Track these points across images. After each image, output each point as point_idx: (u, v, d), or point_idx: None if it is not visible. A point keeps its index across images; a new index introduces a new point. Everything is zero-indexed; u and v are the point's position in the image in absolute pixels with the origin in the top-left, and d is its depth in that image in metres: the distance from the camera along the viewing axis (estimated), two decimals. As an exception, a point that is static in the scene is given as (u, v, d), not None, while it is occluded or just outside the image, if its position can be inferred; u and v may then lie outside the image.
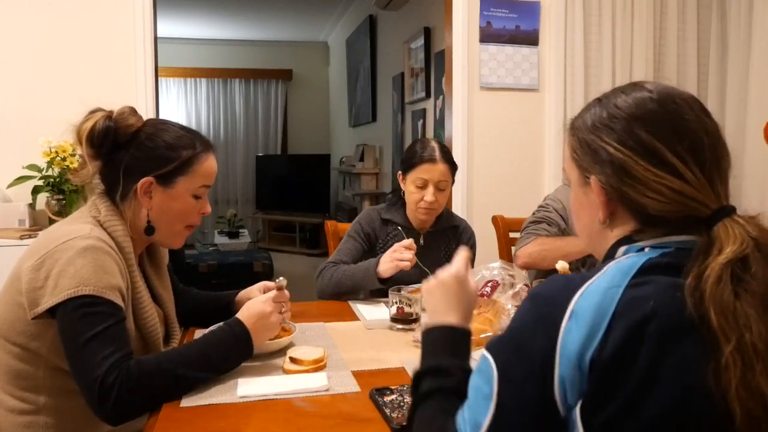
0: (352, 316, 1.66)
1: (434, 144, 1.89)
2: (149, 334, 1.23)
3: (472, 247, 2.03)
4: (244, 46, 7.96)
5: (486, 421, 0.70)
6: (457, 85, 2.95)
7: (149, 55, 2.66)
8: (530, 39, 3.00)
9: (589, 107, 0.82)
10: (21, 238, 2.30)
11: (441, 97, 4.01)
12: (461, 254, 0.98)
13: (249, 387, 1.12)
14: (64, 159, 2.43)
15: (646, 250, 0.74)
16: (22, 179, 2.47)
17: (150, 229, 1.25)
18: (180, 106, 7.90)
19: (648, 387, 0.64)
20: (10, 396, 1.16)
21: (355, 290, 1.82)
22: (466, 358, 0.87)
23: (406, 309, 1.51)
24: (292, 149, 8.24)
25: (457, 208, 2.91)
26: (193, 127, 1.56)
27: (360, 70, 6.36)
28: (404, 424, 0.95)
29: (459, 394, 0.78)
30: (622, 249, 0.77)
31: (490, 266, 1.57)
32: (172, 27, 6.92)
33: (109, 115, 1.21)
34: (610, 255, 0.79)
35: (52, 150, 2.42)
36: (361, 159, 6.09)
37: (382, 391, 1.08)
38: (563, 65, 2.98)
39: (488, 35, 2.95)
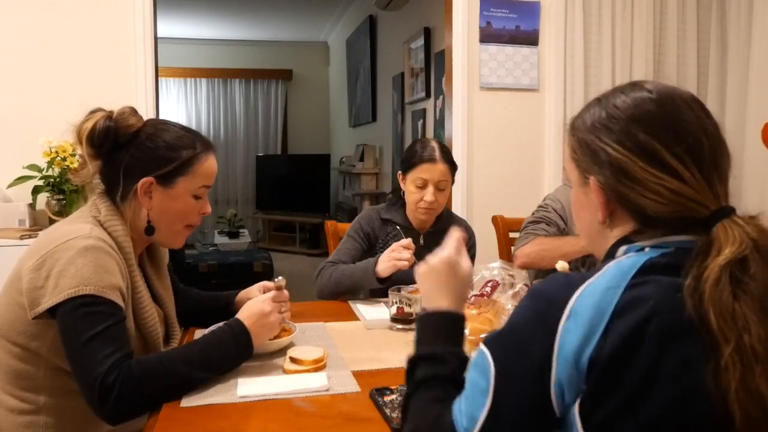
0: (352, 316, 1.66)
1: (434, 144, 1.89)
2: (149, 334, 1.24)
3: (472, 247, 2.03)
4: (244, 46, 7.96)
5: (482, 416, 0.70)
6: (457, 85, 2.95)
7: (149, 55, 2.66)
8: (530, 39, 3.00)
9: (588, 107, 0.82)
10: (21, 238, 2.30)
11: (441, 97, 4.01)
12: (453, 236, 0.97)
13: (249, 387, 1.12)
14: (64, 159, 2.43)
15: (646, 249, 0.74)
16: (22, 179, 2.47)
17: (150, 229, 1.25)
18: (180, 106, 7.90)
19: (647, 387, 0.64)
20: (10, 396, 1.16)
21: (354, 290, 1.82)
22: (459, 343, 0.88)
23: (406, 309, 1.51)
24: (292, 149, 8.24)
25: (457, 208, 2.91)
26: (193, 127, 1.56)
27: (360, 70, 6.36)
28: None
29: (454, 382, 0.80)
30: (622, 249, 0.77)
31: (490, 266, 1.57)
32: (172, 27, 6.92)
33: (109, 115, 1.21)
34: (610, 254, 0.79)
35: (53, 150, 2.42)
36: (361, 159, 6.09)
37: (382, 391, 1.08)
38: (563, 65, 2.98)
39: (488, 35, 2.95)
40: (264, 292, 1.49)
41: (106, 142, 1.20)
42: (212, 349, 1.16)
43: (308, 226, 7.13)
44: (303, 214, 7.12)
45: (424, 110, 4.59)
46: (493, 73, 2.97)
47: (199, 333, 1.42)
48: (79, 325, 1.05)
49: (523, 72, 3.00)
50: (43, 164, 2.46)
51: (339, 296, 1.82)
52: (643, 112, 0.75)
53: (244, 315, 1.23)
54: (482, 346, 0.75)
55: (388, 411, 1.01)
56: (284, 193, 7.42)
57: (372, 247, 1.96)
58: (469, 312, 1.42)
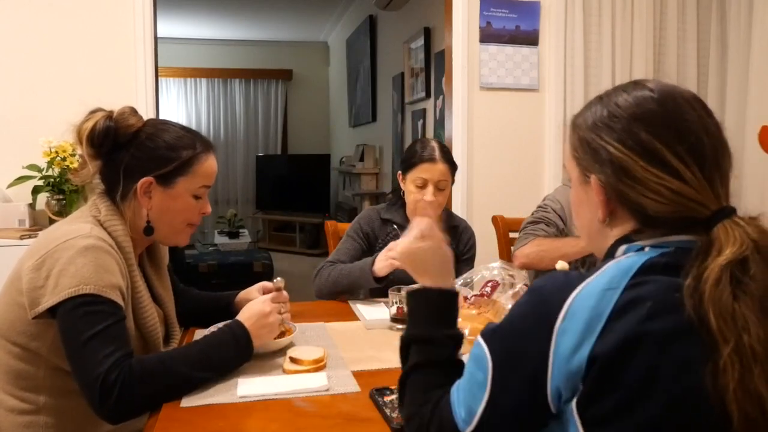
0: (352, 316, 1.66)
1: (434, 144, 1.89)
2: (149, 334, 1.24)
3: (472, 248, 2.03)
4: (244, 46, 7.96)
5: (480, 409, 0.72)
6: (457, 85, 2.95)
7: (149, 55, 2.66)
8: (530, 39, 3.00)
9: (590, 105, 0.82)
10: (21, 238, 2.30)
11: (441, 97, 4.01)
12: (423, 207, 1.00)
13: (249, 387, 1.12)
14: (64, 159, 2.43)
15: (646, 249, 0.74)
16: (22, 179, 2.47)
17: (149, 230, 1.25)
18: (180, 106, 7.90)
19: (647, 387, 0.64)
20: (10, 396, 1.16)
21: (352, 289, 1.82)
22: (452, 322, 0.91)
23: (406, 309, 1.51)
24: (292, 149, 8.24)
25: (457, 208, 2.91)
26: (193, 127, 1.56)
27: (360, 70, 6.36)
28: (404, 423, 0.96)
29: (449, 364, 0.83)
30: (622, 248, 0.77)
31: (490, 266, 1.58)
32: (172, 27, 6.92)
33: (109, 115, 1.21)
34: (609, 254, 0.79)
35: (52, 150, 2.42)
36: (361, 159, 6.09)
37: (382, 391, 1.08)
38: (563, 65, 2.98)
39: (488, 35, 2.95)
40: (263, 293, 1.49)
41: (106, 142, 1.20)
42: (212, 350, 1.16)
43: (308, 226, 7.13)
44: (303, 214, 7.12)
45: (424, 110, 4.59)
46: (493, 73, 2.97)
47: (199, 333, 1.43)
48: (80, 325, 1.05)
49: (523, 72, 3.00)
50: (43, 164, 2.46)
51: (337, 296, 1.82)
52: (645, 111, 0.75)
53: (244, 316, 1.23)
54: (480, 339, 0.75)
55: (388, 411, 1.01)
56: (284, 193, 7.42)
57: (372, 247, 1.96)
58: (469, 312, 1.42)
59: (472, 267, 1.83)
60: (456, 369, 0.82)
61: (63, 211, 2.46)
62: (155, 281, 1.36)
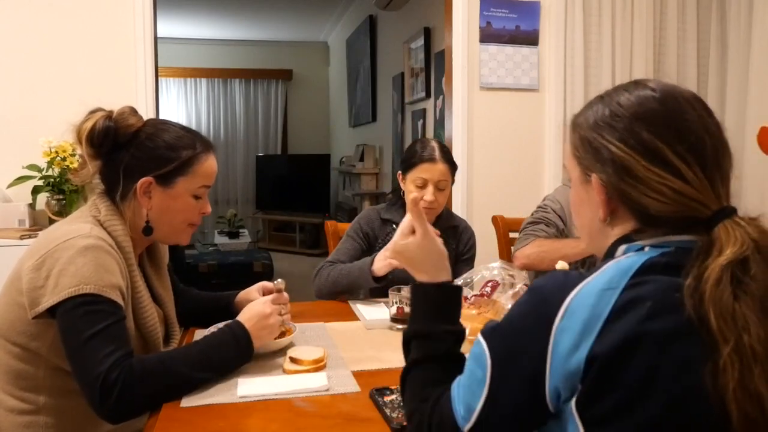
0: (352, 316, 1.66)
1: (434, 144, 1.89)
2: (149, 334, 1.24)
3: (472, 247, 2.03)
4: (244, 46, 7.96)
5: (479, 406, 0.72)
6: (457, 85, 2.95)
7: (149, 55, 2.66)
8: (530, 39, 3.00)
9: (591, 104, 0.82)
10: (21, 238, 2.30)
11: (441, 97, 4.01)
12: (410, 203, 1.01)
13: (249, 387, 1.12)
14: (64, 159, 2.43)
15: (646, 249, 0.74)
16: (22, 179, 2.47)
17: (148, 230, 1.25)
18: (180, 106, 7.91)
19: (647, 387, 0.64)
20: (10, 396, 1.16)
21: (351, 289, 1.82)
22: (453, 317, 0.91)
23: (406, 309, 1.51)
24: (292, 149, 8.24)
25: (457, 208, 2.91)
26: (193, 127, 1.56)
27: (360, 70, 6.36)
28: (404, 424, 0.95)
29: (451, 359, 0.84)
30: (622, 248, 0.77)
31: (490, 266, 1.57)
32: (172, 27, 6.92)
33: (109, 115, 1.21)
34: (609, 254, 0.79)
35: (52, 150, 2.42)
36: (361, 159, 6.09)
37: (382, 391, 1.08)
38: (563, 65, 2.98)
39: (488, 35, 2.95)
40: (263, 293, 1.49)
41: (105, 142, 1.20)
42: (213, 350, 1.16)
43: (308, 226, 7.13)
44: (303, 214, 7.12)
45: (424, 110, 4.59)
46: (493, 73, 2.97)
47: (198, 333, 1.42)
48: (80, 324, 1.05)
49: (523, 72, 3.00)
50: (43, 164, 2.46)
51: (337, 296, 1.82)
52: (647, 111, 0.75)
53: (244, 317, 1.24)
54: (480, 337, 0.76)
55: (388, 411, 1.01)
56: (284, 193, 7.42)
57: (371, 247, 1.96)
58: (469, 312, 1.42)
59: (472, 267, 1.83)
60: (457, 364, 0.83)
61: (63, 211, 2.46)
62: (155, 281, 1.36)
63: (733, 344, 0.63)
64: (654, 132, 0.73)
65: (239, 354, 1.19)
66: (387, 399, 1.05)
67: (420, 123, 4.66)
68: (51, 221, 2.40)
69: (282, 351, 1.30)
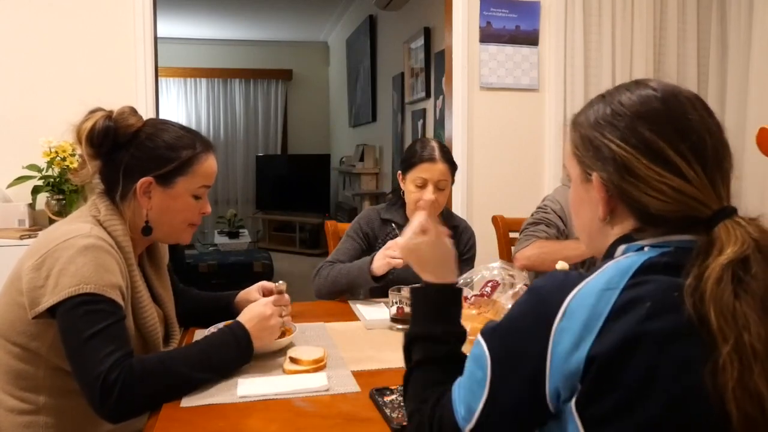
0: (352, 316, 1.66)
1: (434, 144, 1.89)
2: (149, 334, 1.23)
3: (472, 247, 2.03)
4: (244, 46, 7.96)
5: (479, 407, 0.72)
6: (457, 85, 2.95)
7: (149, 55, 2.66)
8: (530, 39, 3.00)
9: (592, 104, 0.82)
10: (21, 238, 2.30)
11: (441, 97, 4.01)
12: (423, 203, 1.01)
13: (249, 387, 1.12)
14: (64, 159, 2.43)
15: (646, 249, 0.74)
16: (22, 179, 2.47)
17: (147, 230, 1.25)
18: (180, 106, 7.91)
19: (647, 387, 0.64)
20: (10, 396, 1.16)
21: (351, 288, 1.82)
22: (454, 318, 0.91)
23: (406, 309, 1.51)
24: (292, 149, 8.24)
25: (457, 208, 2.91)
26: (193, 127, 1.56)
27: (360, 70, 6.36)
28: (404, 424, 0.96)
29: (452, 360, 0.84)
30: (621, 248, 0.77)
31: (490, 266, 1.57)
32: (172, 27, 6.92)
33: (108, 115, 1.21)
34: (609, 254, 0.79)
35: (52, 150, 2.42)
36: (361, 159, 6.09)
37: (382, 391, 1.08)
38: (563, 65, 2.98)
39: (488, 35, 2.95)
40: (263, 293, 1.49)
41: (105, 141, 1.20)
42: (213, 350, 1.16)
43: (308, 226, 7.13)
44: (303, 214, 7.12)
45: (424, 110, 4.59)
46: (493, 73, 2.97)
47: (198, 333, 1.42)
48: (80, 324, 1.05)
49: (523, 72, 3.00)
50: (42, 164, 2.46)
51: (336, 295, 1.82)
52: (649, 110, 0.75)
53: (245, 317, 1.23)
54: (480, 337, 0.76)
55: (388, 411, 1.01)
56: (284, 193, 7.42)
57: (371, 247, 1.96)
58: (469, 312, 1.42)
59: (472, 267, 1.83)
60: (458, 365, 0.82)
61: (63, 211, 2.46)
62: (155, 281, 1.36)
63: (733, 343, 0.63)
64: (655, 131, 0.73)
65: (239, 355, 1.19)
66: (387, 399, 1.05)
67: (420, 123, 4.66)
68: (51, 221, 2.40)
69: (282, 351, 1.30)
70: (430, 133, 4.44)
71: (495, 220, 2.37)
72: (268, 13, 6.64)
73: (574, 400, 0.67)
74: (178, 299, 1.44)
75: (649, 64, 3.03)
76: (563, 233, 1.97)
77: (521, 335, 0.71)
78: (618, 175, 0.75)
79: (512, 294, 1.48)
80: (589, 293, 0.68)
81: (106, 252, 1.13)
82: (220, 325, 1.37)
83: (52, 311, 1.08)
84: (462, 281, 1.57)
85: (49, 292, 1.07)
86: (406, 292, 1.52)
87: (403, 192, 1.95)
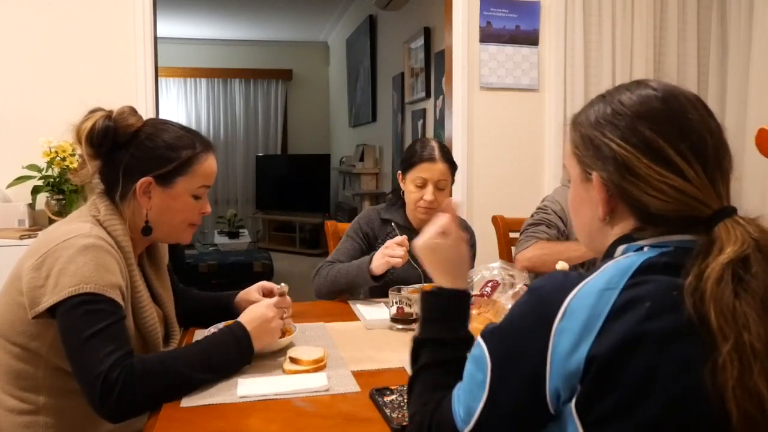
0: (352, 316, 1.66)
1: (434, 143, 1.89)
2: (149, 334, 1.23)
3: (472, 247, 2.02)
4: (244, 46, 7.96)
5: (479, 409, 0.72)
6: (457, 85, 2.95)
7: (149, 55, 2.66)
8: (530, 39, 3.00)
9: (592, 103, 0.82)
10: (21, 238, 2.30)
11: (441, 97, 4.01)
12: (446, 205, 1.00)
13: (249, 387, 1.12)
14: (64, 159, 2.43)
15: (645, 249, 0.74)
16: (22, 179, 2.47)
17: (147, 230, 1.25)
18: (180, 106, 7.90)
19: (646, 387, 0.64)
20: (10, 396, 1.16)
21: (350, 288, 1.82)
22: (463, 324, 0.90)
23: (406, 309, 1.51)
24: (292, 149, 8.25)
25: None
26: (193, 127, 1.56)
27: (360, 70, 6.36)
28: (404, 424, 0.96)
29: (457, 364, 0.82)
30: (621, 248, 0.77)
31: (490, 266, 1.57)
32: (172, 27, 6.92)
33: (108, 115, 1.21)
34: (609, 254, 0.79)
35: (52, 150, 2.42)
36: (361, 159, 6.09)
37: (382, 391, 1.08)
38: (563, 65, 2.98)
39: (488, 35, 2.95)
40: (263, 292, 1.49)
41: (105, 141, 1.20)
42: (213, 351, 1.16)
43: (308, 226, 7.13)
44: (303, 214, 7.12)
45: (424, 110, 4.59)
46: (493, 73, 2.97)
47: (198, 333, 1.42)
48: (80, 323, 1.05)
49: (523, 72, 3.00)
50: (42, 164, 2.46)
51: (336, 295, 1.82)
52: (649, 110, 0.75)
53: (246, 318, 1.23)
54: (480, 339, 0.76)
55: (388, 411, 1.01)
56: (284, 193, 7.42)
57: (371, 247, 1.96)
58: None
59: (472, 267, 1.83)
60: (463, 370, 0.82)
61: (63, 211, 2.46)
62: (155, 281, 1.36)
63: (733, 342, 0.63)
64: (656, 130, 0.73)
65: (240, 355, 1.19)
66: (387, 399, 1.05)
67: (420, 123, 4.66)
68: (51, 221, 2.40)
69: (282, 351, 1.30)
70: (430, 133, 4.44)
71: (495, 220, 2.37)
72: (268, 13, 6.64)
73: (573, 401, 0.67)
74: (178, 299, 1.44)
75: (649, 64, 3.03)
76: (564, 234, 1.97)
77: (521, 335, 0.71)
78: (618, 175, 0.75)
79: (512, 294, 1.48)
80: (589, 293, 0.68)
81: (106, 252, 1.13)
82: (220, 325, 1.37)
83: (52, 311, 1.08)
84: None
85: (49, 292, 1.07)
86: (406, 292, 1.52)
87: (403, 192, 1.95)
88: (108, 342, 1.05)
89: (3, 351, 1.17)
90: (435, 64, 4.31)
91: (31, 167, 2.47)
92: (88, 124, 1.19)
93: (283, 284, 1.37)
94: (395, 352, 1.34)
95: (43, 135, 2.42)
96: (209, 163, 1.28)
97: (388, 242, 1.72)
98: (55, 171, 2.47)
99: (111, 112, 1.22)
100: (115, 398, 1.01)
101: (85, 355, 1.04)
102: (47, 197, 2.50)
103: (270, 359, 1.27)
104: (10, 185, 2.48)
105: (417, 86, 4.71)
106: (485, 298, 1.49)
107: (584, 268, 1.88)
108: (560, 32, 2.97)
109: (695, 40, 3.08)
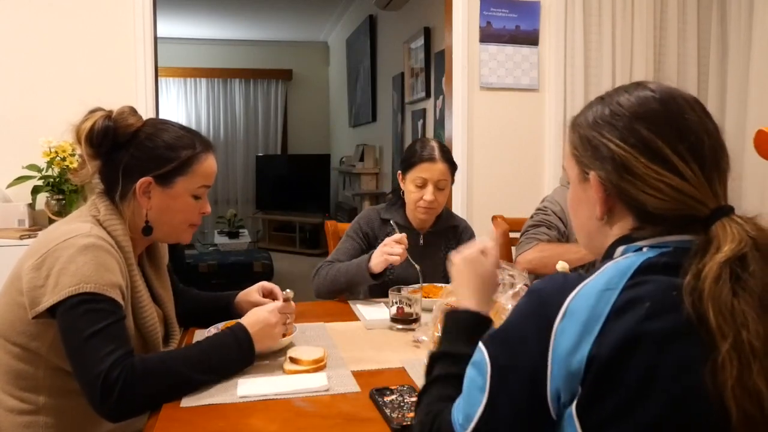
0: (352, 316, 1.66)
1: (434, 143, 1.89)
2: (148, 334, 1.23)
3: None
4: (244, 46, 7.96)
5: (478, 414, 0.72)
6: (457, 85, 2.95)
7: (149, 55, 2.66)
8: (530, 39, 3.00)
9: (591, 105, 0.83)
10: (21, 238, 2.30)
11: (441, 97, 4.01)
12: (496, 228, 1.01)
13: (249, 387, 1.12)
14: (63, 159, 2.43)
15: (645, 250, 0.74)
16: (22, 179, 2.47)
17: (147, 230, 1.25)
18: (180, 106, 7.90)
19: (646, 387, 0.64)
20: (10, 396, 1.16)
21: (350, 287, 1.81)
22: (476, 341, 0.90)
23: (406, 309, 1.51)
24: (292, 149, 8.25)
25: (457, 208, 2.91)
26: (193, 127, 1.56)
27: (360, 70, 6.36)
28: (404, 424, 0.96)
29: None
30: (620, 249, 0.77)
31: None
32: (172, 27, 6.92)
33: (108, 115, 1.21)
34: (608, 254, 0.79)
35: (52, 150, 2.42)
36: (361, 159, 6.10)
37: (382, 391, 1.08)
38: (563, 65, 2.98)
39: (488, 35, 2.95)
40: (263, 293, 1.49)
41: (104, 141, 1.20)
42: (214, 352, 1.16)
43: (308, 226, 7.13)
44: (303, 214, 7.12)
45: (424, 110, 4.59)
46: (493, 73, 2.97)
47: (198, 333, 1.43)
48: (80, 323, 1.05)
49: (523, 72, 3.00)
50: (42, 164, 2.46)
51: (336, 295, 1.82)
52: (647, 110, 0.76)
53: (248, 321, 1.23)
54: (480, 344, 0.75)
55: (388, 411, 1.01)
56: (284, 193, 7.42)
57: (371, 247, 1.95)
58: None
59: (497, 268, 1.83)
60: None
61: (63, 211, 2.46)
62: (155, 281, 1.36)
63: (732, 341, 0.63)
64: (654, 131, 0.74)
65: (241, 358, 1.19)
66: (387, 399, 1.05)
67: (420, 123, 4.66)
68: (51, 221, 2.40)
69: (282, 351, 1.30)
70: (430, 133, 4.44)
71: (495, 220, 2.37)
72: (268, 13, 6.64)
73: (574, 404, 0.67)
74: (177, 299, 1.44)
75: (649, 64, 3.03)
76: (564, 235, 1.97)
77: (521, 337, 0.71)
78: (616, 174, 0.75)
79: (512, 294, 1.47)
80: (589, 294, 0.68)
81: (106, 251, 1.13)
82: (220, 325, 1.37)
83: (52, 311, 1.08)
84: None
85: (49, 292, 1.07)
86: (406, 292, 1.52)
87: (403, 192, 1.95)
88: (108, 341, 1.05)
89: (3, 351, 1.17)
90: (435, 64, 4.31)
91: (31, 167, 2.47)
92: (88, 124, 1.19)
93: (288, 290, 1.37)
94: (395, 352, 1.34)
95: (43, 135, 2.42)
96: (209, 163, 1.28)
97: (387, 240, 1.72)
98: (55, 171, 2.47)
99: (111, 112, 1.22)
100: (115, 398, 1.01)
101: (85, 355, 1.04)
102: (47, 197, 2.50)
103: (270, 359, 1.27)
104: (10, 185, 2.48)
105: (417, 86, 4.71)
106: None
107: (584, 269, 1.88)
108: (560, 32, 2.97)
109: (695, 40, 3.08)
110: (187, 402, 1.06)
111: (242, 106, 8.07)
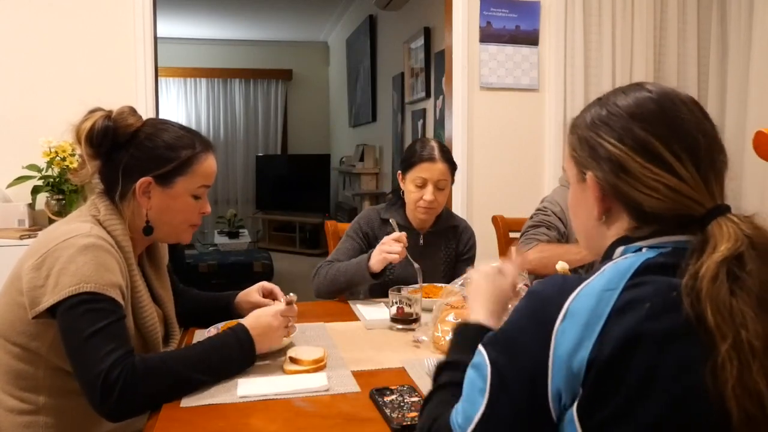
0: (352, 316, 1.66)
1: (434, 143, 1.89)
2: (148, 334, 1.23)
3: (472, 247, 2.02)
4: (244, 46, 7.96)
5: (477, 416, 0.71)
6: (457, 85, 2.95)
7: (149, 55, 2.66)
8: (530, 39, 3.00)
9: (589, 107, 0.83)
10: (21, 238, 2.30)
11: (441, 97, 4.01)
12: (520, 259, 1.07)
13: (249, 387, 1.12)
14: (63, 159, 2.43)
15: (644, 250, 0.74)
16: (21, 179, 2.47)
17: (148, 230, 1.25)
18: (180, 106, 7.91)
19: (646, 388, 0.64)
20: (10, 396, 1.16)
21: (350, 286, 1.81)
22: None
23: (406, 309, 1.51)
24: (292, 149, 8.25)
25: (457, 208, 2.91)
26: (193, 127, 1.56)
27: (360, 70, 6.36)
28: (404, 424, 0.96)
29: None
30: (619, 250, 0.77)
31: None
32: (172, 27, 6.92)
33: (108, 115, 1.21)
34: (608, 255, 0.79)
35: (52, 150, 2.42)
36: (361, 159, 6.10)
37: (382, 391, 1.08)
38: (563, 65, 2.98)
39: (488, 35, 2.95)
40: (263, 293, 1.49)
41: (104, 141, 1.20)
42: (215, 352, 1.16)
43: (308, 226, 7.13)
44: (303, 214, 7.12)
45: (424, 110, 4.59)
46: (493, 73, 2.97)
47: (198, 333, 1.43)
48: (80, 322, 1.05)
49: (523, 72, 3.00)
50: (42, 164, 2.46)
51: (336, 294, 1.82)
52: (644, 111, 0.76)
53: (250, 323, 1.22)
54: (480, 346, 0.75)
55: (388, 411, 1.01)
56: (284, 193, 7.42)
57: (371, 247, 1.95)
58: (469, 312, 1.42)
59: (473, 267, 1.83)
60: None
61: (62, 211, 2.46)
62: (155, 281, 1.36)
63: (731, 341, 0.63)
64: (650, 131, 0.74)
65: (241, 359, 1.19)
66: (387, 399, 1.05)
67: (420, 123, 4.67)
68: (51, 221, 2.40)
69: (282, 351, 1.30)
70: (430, 133, 4.44)
71: (495, 220, 2.37)
72: (268, 13, 6.64)
73: (575, 405, 0.67)
74: (177, 299, 1.44)
75: (649, 64, 3.03)
76: (564, 235, 1.97)
77: (522, 339, 0.71)
78: (612, 174, 0.76)
79: (512, 294, 1.47)
80: (589, 295, 0.68)
81: (106, 251, 1.13)
82: (220, 325, 1.37)
83: (52, 311, 1.08)
84: (462, 281, 1.57)
85: (49, 292, 1.07)
86: (405, 292, 1.52)
87: (403, 192, 1.95)
88: (108, 341, 1.05)
89: (3, 351, 1.17)
90: (435, 64, 4.31)
91: (31, 167, 2.47)
92: (88, 124, 1.19)
93: (291, 294, 1.37)
94: (395, 352, 1.34)
95: (43, 135, 2.42)
96: (209, 163, 1.28)
97: (385, 238, 1.72)
98: (55, 171, 2.47)
99: (110, 112, 1.22)
100: (115, 397, 1.01)
101: (85, 354, 1.04)
102: (47, 197, 2.50)
103: (270, 359, 1.27)
104: (10, 185, 2.48)
105: (417, 86, 4.71)
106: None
107: (584, 270, 1.88)
108: (560, 32, 2.97)
109: (695, 40, 3.08)
110: (187, 402, 1.06)
111: (242, 106, 8.07)
